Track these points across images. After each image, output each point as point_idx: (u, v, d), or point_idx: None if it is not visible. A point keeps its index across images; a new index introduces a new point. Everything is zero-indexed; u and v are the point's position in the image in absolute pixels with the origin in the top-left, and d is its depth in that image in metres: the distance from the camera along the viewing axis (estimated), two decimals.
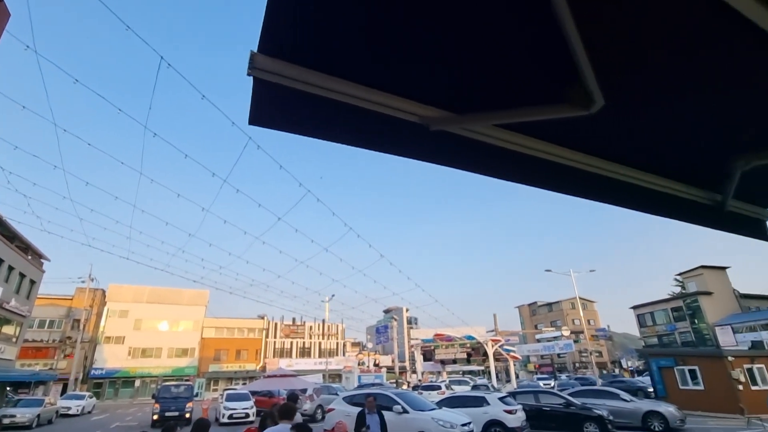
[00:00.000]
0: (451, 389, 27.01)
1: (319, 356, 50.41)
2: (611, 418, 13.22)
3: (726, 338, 35.95)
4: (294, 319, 52.54)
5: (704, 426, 14.59)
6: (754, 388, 16.97)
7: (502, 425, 11.91)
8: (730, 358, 17.44)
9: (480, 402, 12.91)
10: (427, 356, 48.34)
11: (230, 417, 19.02)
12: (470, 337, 41.53)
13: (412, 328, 58.89)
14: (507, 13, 1.21)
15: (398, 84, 1.30)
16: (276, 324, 51.57)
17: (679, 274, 47.28)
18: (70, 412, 26.02)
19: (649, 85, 1.49)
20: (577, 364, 55.05)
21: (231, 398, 20.18)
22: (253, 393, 21.16)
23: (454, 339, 43.67)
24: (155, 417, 18.81)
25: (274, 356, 49.26)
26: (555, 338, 46.98)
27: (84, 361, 41.37)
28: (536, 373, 51.23)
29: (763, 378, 17.47)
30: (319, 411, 19.10)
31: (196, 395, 24.32)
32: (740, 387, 16.59)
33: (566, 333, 46.42)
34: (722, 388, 16.83)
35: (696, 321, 41.71)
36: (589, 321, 54.48)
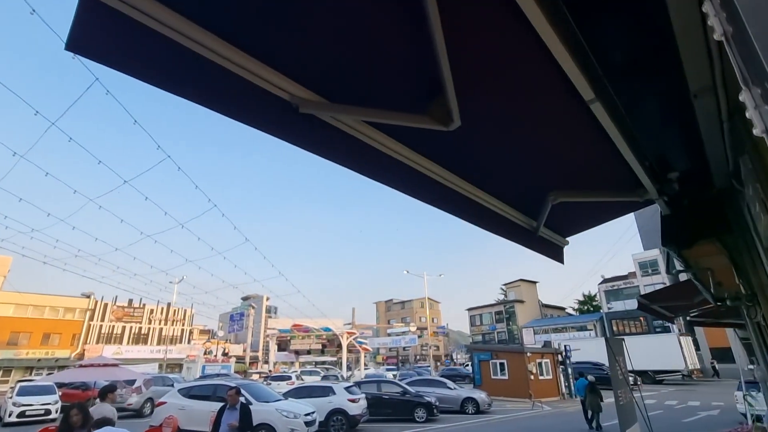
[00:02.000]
0: (301, 380, 27.04)
1: (159, 344, 44.56)
2: (437, 403, 15.21)
3: (528, 338, 44.93)
4: (131, 301, 45.16)
5: (503, 408, 17.94)
6: (541, 378, 21.64)
7: (344, 413, 12.45)
8: (528, 354, 21.83)
9: (326, 392, 13.23)
10: (282, 346, 47.47)
11: (21, 415, 15.24)
12: (327, 329, 42.33)
13: (270, 317, 56.94)
14: (387, 19, 1.24)
15: (268, 52, 1.20)
16: (106, 305, 43.57)
17: (504, 284, 57.42)
18: None
19: (496, 119, 1.73)
20: (417, 357, 61.43)
21: (25, 392, 16.17)
22: (61, 385, 17.46)
23: (312, 330, 43.95)
24: None
25: (98, 342, 41.50)
26: (403, 333, 51.50)
27: None
28: (384, 364, 55.22)
29: (547, 370, 22.39)
30: (148, 405, 16.91)
31: None
32: (532, 377, 20.94)
33: (413, 329, 51.38)
34: (520, 378, 20.97)
35: (510, 323, 51.14)
36: (433, 319, 61.42)
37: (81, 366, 14.93)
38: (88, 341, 41.76)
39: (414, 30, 1.26)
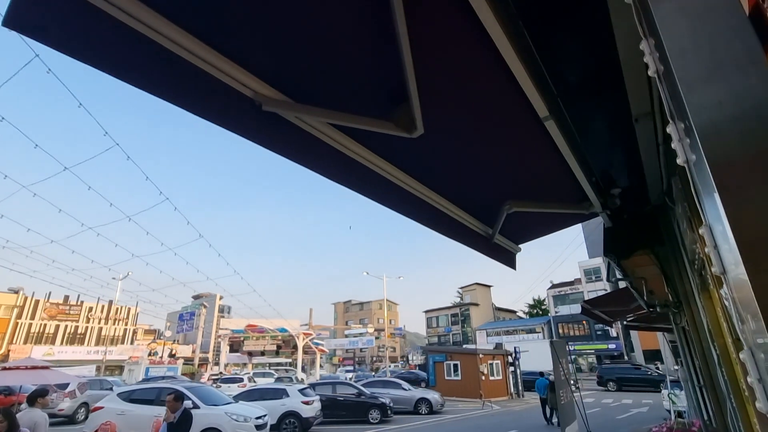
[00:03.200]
0: (254, 382, 26.22)
1: (98, 344, 41.42)
2: (392, 404, 15.35)
3: (482, 340, 46.51)
4: (67, 297, 41.64)
5: (456, 408, 18.44)
6: (491, 378, 22.47)
7: (297, 416, 12.23)
8: (480, 356, 22.58)
9: (280, 394, 12.93)
10: (235, 347, 45.78)
11: None
12: (283, 330, 41.35)
13: (223, 317, 54.73)
14: (357, 24, 1.25)
15: (231, 45, 1.17)
16: (37, 301, 39.87)
17: (461, 288, 59.18)
18: None
19: (457, 130, 1.79)
20: (374, 358, 61.64)
21: None
22: None
23: (267, 331, 42.74)
24: None
25: (26, 342, 37.87)
26: (361, 334, 51.49)
27: None
28: (340, 365, 54.87)
29: (498, 371, 23.28)
30: (82, 410, 15.67)
31: None
32: (483, 378, 21.68)
33: (371, 330, 51.51)
34: (472, 379, 21.66)
35: (465, 325, 52.72)
36: (391, 321, 61.95)
37: (5, 369, 13.58)
38: (14, 341, 38.07)
39: (382, 38, 1.28)
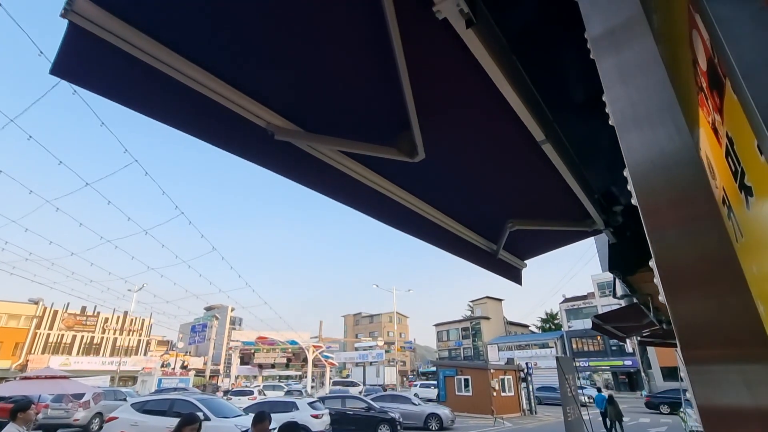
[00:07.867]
0: (264, 394, 26.20)
1: (112, 354, 41.94)
2: (401, 420, 15.16)
3: (493, 354, 45.66)
4: (84, 308, 42.44)
5: (466, 424, 18.08)
6: (503, 394, 22.00)
7: (307, 430, 12.21)
8: (491, 371, 22.16)
9: (289, 407, 12.95)
10: (245, 359, 45.86)
11: None
12: (293, 342, 41.32)
13: (234, 329, 54.97)
14: (359, 58, 1.38)
15: (245, 80, 1.29)
16: (56, 312, 40.70)
17: (471, 301, 58.45)
18: None
19: (457, 154, 1.88)
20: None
21: None
22: None
23: (277, 343, 42.75)
24: None
25: (44, 352, 38.57)
26: (370, 347, 51.07)
27: None
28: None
29: (509, 386, 22.80)
30: (96, 420, 15.87)
31: None
32: (494, 393, 21.25)
33: (381, 343, 51.04)
34: (483, 394, 21.24)
35: (476, 339, 51.84)
36: (401, 334, 61.30)
37: (23, 378, 13.88)
38: (32, 351, 38.80)
39: (384, 72, 1.39)
